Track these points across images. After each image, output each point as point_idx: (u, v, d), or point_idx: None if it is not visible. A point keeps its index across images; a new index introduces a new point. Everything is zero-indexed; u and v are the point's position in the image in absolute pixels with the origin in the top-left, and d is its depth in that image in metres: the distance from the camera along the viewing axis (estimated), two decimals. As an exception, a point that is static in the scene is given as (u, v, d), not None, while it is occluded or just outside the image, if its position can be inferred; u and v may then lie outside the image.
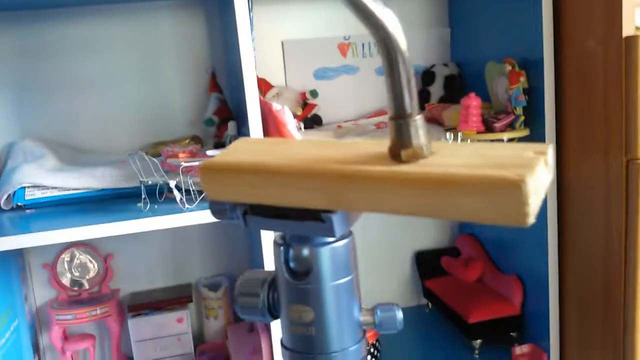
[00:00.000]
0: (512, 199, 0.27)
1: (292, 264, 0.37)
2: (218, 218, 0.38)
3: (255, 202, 0.35)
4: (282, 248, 0.37)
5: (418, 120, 0.31)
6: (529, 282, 1.24)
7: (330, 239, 0.36)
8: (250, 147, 0.38)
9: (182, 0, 1.32)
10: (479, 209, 0.28)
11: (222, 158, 0.36)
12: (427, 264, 1.50)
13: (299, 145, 0.37)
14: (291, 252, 0.37)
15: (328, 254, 0.36)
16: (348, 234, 0.37)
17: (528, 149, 0.30)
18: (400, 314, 0.38)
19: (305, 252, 0.36)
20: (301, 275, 0.36)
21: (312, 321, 0.36)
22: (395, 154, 0.32)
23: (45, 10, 1.27)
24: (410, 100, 0.31)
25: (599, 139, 1.02)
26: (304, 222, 0.34)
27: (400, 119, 0.31)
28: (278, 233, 0.38)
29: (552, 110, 1.10)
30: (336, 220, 0.34)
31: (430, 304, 1.48)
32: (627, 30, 0.95)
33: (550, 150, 0.30)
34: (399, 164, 0.31)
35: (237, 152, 0.37)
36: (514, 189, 0.27)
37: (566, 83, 1.09)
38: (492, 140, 1.17)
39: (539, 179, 0.29)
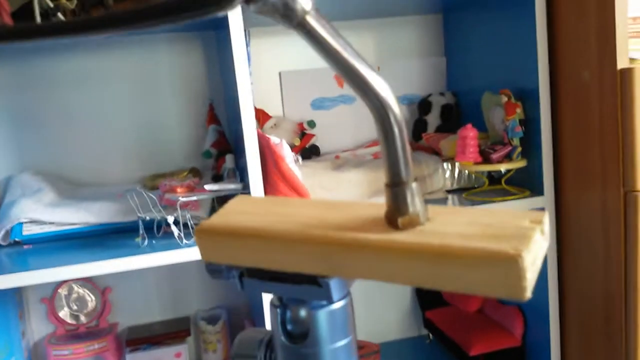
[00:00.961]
0: (509, 273, 0.27)
1: (289, 326, 0.37)
2: (214, 278, 0.37)
3: (251, 266, 0.35)
4: (278, 310, 0.36)
5: (414, 187, 0.31)
6: (529, 313, 1.23)
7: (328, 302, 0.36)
8: (247, 208, 0.37)
9: (180, 33, 1.33)
10: (476, 281, 0.28)
11: (218, 220, 0.36)
12: (427, 294, 1.49)
13: (295, 205, 0.37)
14: (288, 314, 0.36)
15: (326, 316, 0.36)
16: (346, 294, 0.37)
17: (525, 218, 0.30)
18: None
19: (303, 314, 0.36)
20: (298, 338, 0.36)
21: (309, 386, 0.35)
22: (392, 221, 0.32)
23: (42, 43, 1.27)
24: (406, 167, 0.31)
25: (596, 171, 1.02)
26: (301, 286, 0.34)
27: (396, 186, 0.31)
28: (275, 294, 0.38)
29: (549, 142, 1.10)
30: (334, 285, 0.33)
31: (430, 334, 1.47)
32: (621, 63, 0.96)
33: (546, 219, 0.30)
34: (396, 231, 0.31)
35: (233, 213, 0.37)
36: (511, 263, 0.27)
37: (562, 114, 1.09)
38: (489, 172, 1.17)
39: (536, 250, 0.28)
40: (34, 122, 1.29)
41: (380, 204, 0.34)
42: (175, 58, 1.33)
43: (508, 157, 1.12)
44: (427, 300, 1.48)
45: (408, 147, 0.31)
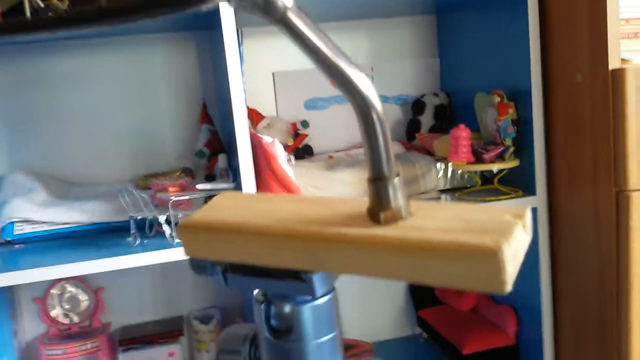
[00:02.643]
0: (489, 267, 0.27)
1: (273, 322, 0.37)
2: (198, 274, 0.37)
3: (234, 261, 0.35)
4: (262, 305, 0.37)
5: (396, 181, 0.31)
6: (523, 312, 1.24)
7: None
8: (231, 204, 0.37)
9: (173, 33, 1.33)
10: (456, 275, 0.28)
11: (202, 216, 0.36)
12: (421, 293, 1.49)
13: (279, 201, 0.37)
14: (272, 309, 0.36)
15: (310, 312, 0.36)
16: (331, 290, 0.37)
17: (506, 212, 0.30)
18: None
19: (287, 309, 0.36)
20: (283, 334, 0.36)
21: (293, 381, 0.35)
22: (374, 216, 0.32)
23: (35, 44, 1.27)
24: (388, 162, 0.31)
25: (588, 171, 1.03)
26: (284, 281, 0.34)
27: (378, 181, 0.31)
28: (259, 290, 0.38)
29: (541, 142, 1.10)
30: (317, 280, 0.33)
31: (424, 333, 1.47)
32: (613, 63, 0.96)
33: (528, 214, 0.30)
34: (378, 226, 0.31)
35: (216, 209, 0.37)
36: (491, 256, 0.27)
37: (555, 115, 1.10)
38: (482, 171, 1.18)
39: (517, 244, 0.29)
40: (27, 122, 1.28)
41: (363, 200, 0.34)
42: (168, 58, 1.33)
43: (500, 157, 1.12)
44: (420, 299, 1.48)
45: (390, 143, 0.31)
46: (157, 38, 1.32)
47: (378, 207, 0.31)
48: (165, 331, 1.31)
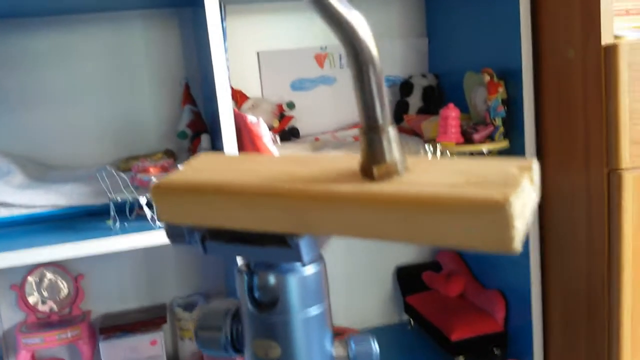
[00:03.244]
0: (495, 222, 0.24)
1: (257, 294, 0.34)
2: (175, 243, 0.34)
3: (214, 226, 0.32)
4: (245, 276, 0.33)
5: (391, 132, 0.28)
6: (511, 297, 1.22)
7: (298, 266, 0.33)
8: (211, 164, 0.34)
9: (155, 10, 1.29)
10: (460, 233, 0.25)
11: (178, 177, 0.33)
12: (408, 279, 1.47)
13: (263, 161, 0.34)
14: (255, 280, 0.33)
15: (296, 282, 0.33)
16: (318, 259, 0.34)
17: (511, 165, 0.27)
18: (376, 346, 0.35)
19: (271, 280, 0.33)
20: (267, 307, 0.33)
21: (278, 358, 0.32)
22: (367, 171, 0.29)
23: (13, 20, 1.22)
24: (382, 110, 0.28)
25: (579, 150, 1.01)
26: (268, 247, 0.31)
27: (371, 131, 0.28)
28: (243, 260, 0.34)
29: (531, 121, 1.08)
30: (303, 244, 0.30)
31: (412, 320, 1.45)
32: (606, 39, 0.94)
33: (535, 166, 0.27)
34: (371, 182, 0.28)
35: (195, 170, 0.34)
36: (498, 210, 0.24)
37: (545, 93, 1.07)
38: (471, 152, 1.15)
39: (525, 198, 0.26)
40: (2, 103, 1.24)
41: (355, 155, 0.31)
42: (150, 36, 1.29)
43: (490, 138, 1.10)
44: (407, 285, 1.46)
45: (384, 89, 0.28)
46: (138, 15, 1.28)
47: (371, 162, 0.29)
48: (147, 319, 1.28)
